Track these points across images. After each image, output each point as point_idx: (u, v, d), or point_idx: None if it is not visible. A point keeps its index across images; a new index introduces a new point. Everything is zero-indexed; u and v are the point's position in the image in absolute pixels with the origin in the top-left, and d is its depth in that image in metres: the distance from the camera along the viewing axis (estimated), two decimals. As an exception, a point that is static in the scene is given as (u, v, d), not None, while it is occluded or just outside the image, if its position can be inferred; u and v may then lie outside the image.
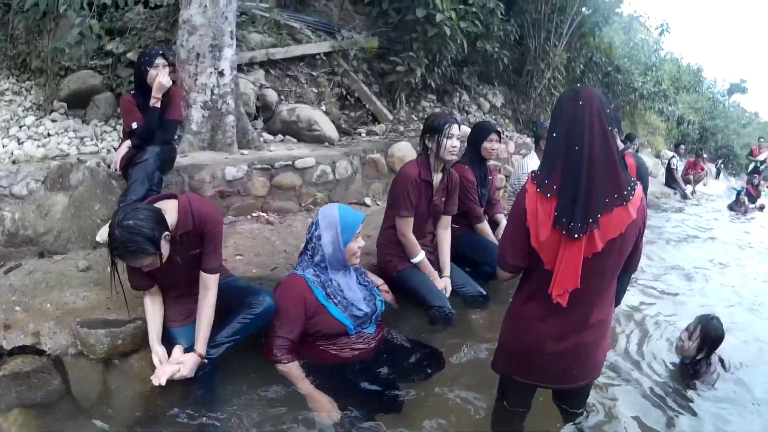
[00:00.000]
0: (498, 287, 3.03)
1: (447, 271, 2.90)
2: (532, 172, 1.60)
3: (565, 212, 1.48)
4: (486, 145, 3.26)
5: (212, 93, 3.70)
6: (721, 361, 2.64)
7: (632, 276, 1.83)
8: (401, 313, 2.77)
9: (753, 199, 11.56)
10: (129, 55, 4.19)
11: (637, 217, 1.51)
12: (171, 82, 2.89)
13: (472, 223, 3.26)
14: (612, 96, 10.98)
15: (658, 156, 12.82)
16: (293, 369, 2.09)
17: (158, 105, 2.88)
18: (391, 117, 5.44)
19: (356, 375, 2.21)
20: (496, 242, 2.96)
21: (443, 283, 2.81)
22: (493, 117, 6.98)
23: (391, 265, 2.83)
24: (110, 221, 1.90)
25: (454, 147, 2.66)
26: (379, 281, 2.68)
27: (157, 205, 2.02)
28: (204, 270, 2.10)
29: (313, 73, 5.14)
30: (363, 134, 5.15)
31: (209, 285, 2.10)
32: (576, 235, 1.47)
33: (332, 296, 2.22)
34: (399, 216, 2.70)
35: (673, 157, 10.33)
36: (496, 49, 6.04)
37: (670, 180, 10.07)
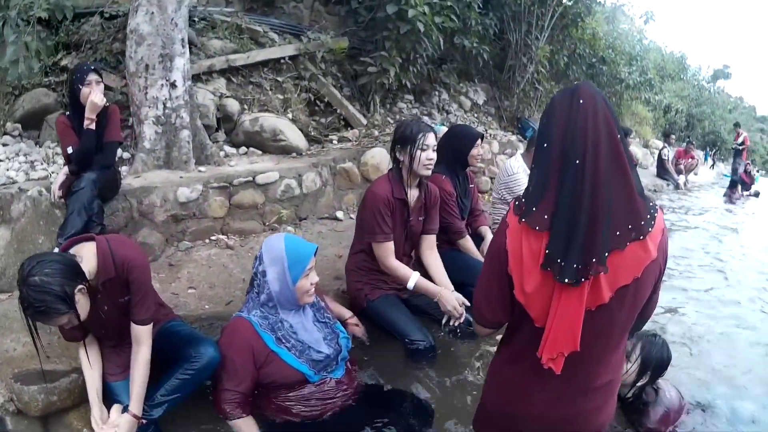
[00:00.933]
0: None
1: (450, 288, 2.48)
2: (515, 200, 1.21)
3: (559, 250, 1.09)
4: (473, 152, 2.93)
5: (165, 107, 3.42)
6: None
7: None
8: (377, 351, 2.41)
9: (747, 186, 11.35)
10: (84, 69, 3.96)
11: (657, 255, 1.13)
12: (104, 101, 2.67)
13: (453, 239, 2.88)
14: (598, 87, 10.77)
15: (646, 146, 12.60)
16: (245, 426, 1.82)
17: (93, 126, 2.66)
18: (365, 121, 5.08)
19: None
20: (482, 259, 2.58)
21: (453, 298, 2.35)
22: (475, 115, 6.66)
23: (361, 294, 2.48)
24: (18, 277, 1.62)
25: (430, 160, 2.32)
26: (347, 314, 2.33)
27: (72, 250, 1.78)
28: (134, 321, 1.88)
29: (279, 79, 4.77)
30: (335, 141, 4.77)
31: (141, 338, 1.88)
32: (574, 281, 1.08)
33: (284, 340, 1.88)
34: (375, 242, 2.36)
35: (664, 147, 10.03)
36: (475, 45, 5.69)
37: (662, 171, 9.79)
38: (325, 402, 1.91)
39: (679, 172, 10.11)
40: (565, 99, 1.14)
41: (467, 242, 2.92)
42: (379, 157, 4.36)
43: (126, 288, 1.85)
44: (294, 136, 4.27)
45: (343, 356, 1.99)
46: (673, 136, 10.90)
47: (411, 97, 5.95)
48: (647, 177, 9.22)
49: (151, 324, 1.91)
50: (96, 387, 1.91)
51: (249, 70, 4.62)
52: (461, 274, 2.66)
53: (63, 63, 4.08)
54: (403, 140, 2.30)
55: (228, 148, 4.12)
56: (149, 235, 3.11)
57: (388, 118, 5.41)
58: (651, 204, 1.15)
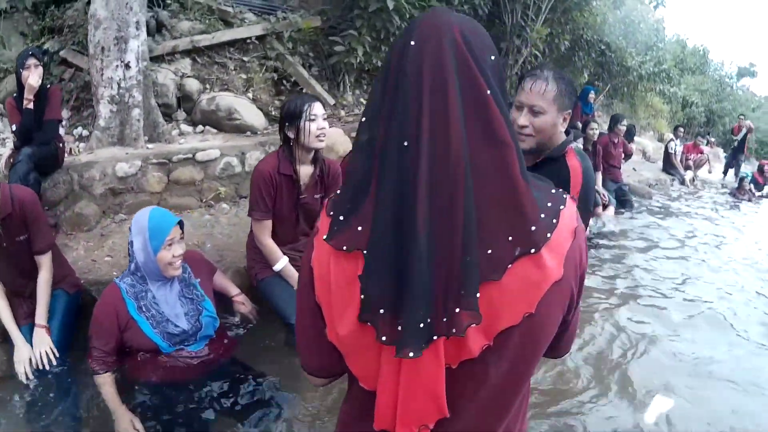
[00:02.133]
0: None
1: None
2: (330, 197, 0.79)
3: (382, 291, 0.67)
4: None
5: (119, 87, 3.56)
6: None
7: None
8: (261, 331, 2.43)
9: (760, 186, 10.81)
10: (62, 53, 4.25)
11: (566, 272, 0.70)
12: (39, 83, 2.86)
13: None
14: (608, 77, 10.39)
15: (661, 140, 12.16)
16: (105, 382, 1.92)
17: (31, 106, 2.87)
18: (332, 101, 5.02)
19: (181, 400, 1.97)
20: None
21: None
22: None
23: (252, 273, 2.46)
24: None
25: (321, 129, 2.21)
26: (233, 291, 2.34)
27: None
28: (35, 252, 2.22)
29: (245, 59, 4.77)
30: None
31: (43, 265, 2.24)
32: (418, 352, 0.65)
33: (145, 309, 1.93)
34: (253, 219, 2.33)
35: (671, 140, 9.52)
36: None
37: (668, 165, 9.33)
38: (181, 370, 1.96)
39: (687, 168, 9.68)
40: (397, 46, 0.70)
41: None
42: (335, 137, 4.26)
43: (24, 227, 2.15)
44: (249, 115, 4.27)
45: (204, 334, 2.01)
46: (682, 129, 10.33)
47: None
48: (652, 171, 8.89)
49: (50, 252, 2.25)
50: (14, 326, 2.17)
51: (216, 50, 4.65)
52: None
53: (45, 46, 4.26)
54: (289, 116, 2.21)
55: (185, 127, 4.17)
56: (86, 206, 3.24)
57: (362, 99, 5.33)
58: (552, 194, 0.73)
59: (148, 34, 4.05)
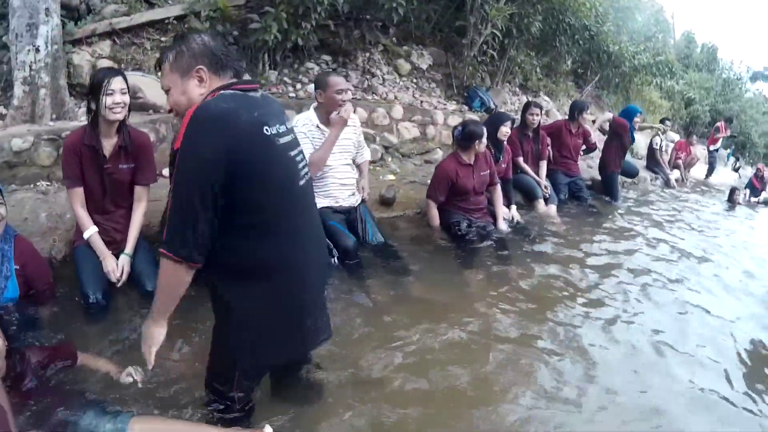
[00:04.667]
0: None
1: (128, 249, 2.49)
2: None
3: None
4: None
5: (30, 69, 3.81)
6: None
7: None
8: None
9: (757, 192, 10.17)
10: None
11: None
12: None
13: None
14: (598, 66, 9.81)
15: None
16: None
17: None
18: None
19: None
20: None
21: (113, 265, 2.42)
22: (413, 80, 6.12)
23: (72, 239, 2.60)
24: None
25: (116, 104, 2.33)
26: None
27: None
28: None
29: (163, 39, 4.72)
30: None
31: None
32: None
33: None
34: (67, 187, 2.46)
35: (656, 134, 8.59)
36: (399, 1, 5.00)
37: (652, 162, 8.46)
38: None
39: (676, 167, 8.99)
40: None
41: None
42: None
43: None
44: (154, 94, 4.19)
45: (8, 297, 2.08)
46: (669, 122, 9.48)
47: (328, 57, 5.55)
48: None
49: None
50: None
51: (136, 32, 4.70)
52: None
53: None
54: (92, 89, 2.34)
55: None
56: (-19, 177, 3.40)
57: (285, 78, 5.09)
58: None
59: (78, 17, 4.45)
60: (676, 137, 9.46)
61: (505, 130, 4.01)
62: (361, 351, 2.27)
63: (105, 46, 4.45)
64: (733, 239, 5.24)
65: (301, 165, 1.59)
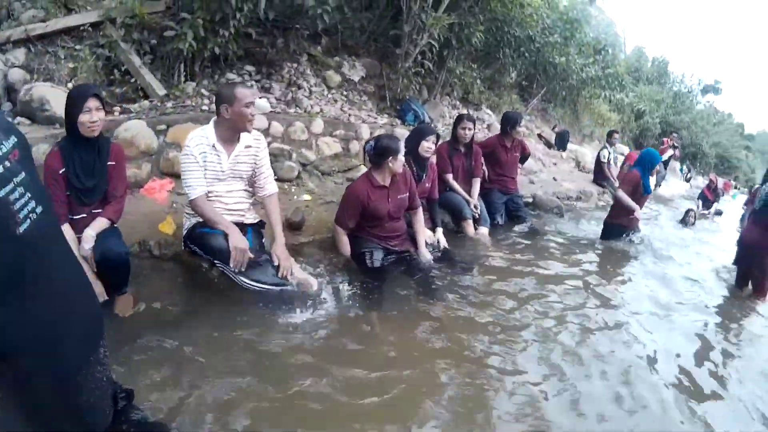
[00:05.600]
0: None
1: None
2: None
3: None
4: None
5: None
6: None
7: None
8: None
9: (709, 203, 10.12)
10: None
11: None
12: None
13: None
14: (545, 80, 9.66)
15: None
16: None
17: None
18: (162, 92, 4.33)
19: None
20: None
21: None
22: (344, 93, 5.70)
23: None
24: None
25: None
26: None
27: None
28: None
29: (77, 48, 4.29)
30: (116, 113, 4.06)
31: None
32: None
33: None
34: None
35: (604, 147, 8.40)
36: (326, 9, 4.61)
37: (600, 176, 8.27)
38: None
39: None
40: None
41: None
42: (135, 130, 3.72)
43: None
44: (61, 106, 3.60)
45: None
46: (617, 135, 9.31)
47: (252, 68, 5.09)
48: (578, 181, 8.04)
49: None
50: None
51: (52, 39, 4.30)
52: None
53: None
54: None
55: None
56: None
57: (203, 90, 4.60)
58: None
59: (-2, 22, 4.11)
60: (626, 150, 9.30)
61: (427, 146, 3.56)
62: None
63: (20, 54, 4.14)
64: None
65: (17, 206, 1.11)
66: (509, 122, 4.80)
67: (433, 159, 3.86)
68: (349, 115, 5.31)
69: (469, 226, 4.21)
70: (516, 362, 2.44)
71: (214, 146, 2.60)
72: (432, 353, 2.42)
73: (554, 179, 7.24)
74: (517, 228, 4.69)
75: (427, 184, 3.65)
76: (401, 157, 3.12)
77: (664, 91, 14.30)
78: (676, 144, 10.85)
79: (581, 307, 3.17)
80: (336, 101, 5.50)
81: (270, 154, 4.26)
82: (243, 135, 2.68)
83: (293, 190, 4.20)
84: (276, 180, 4.21)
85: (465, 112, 7.17)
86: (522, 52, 8.36)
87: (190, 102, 4.37)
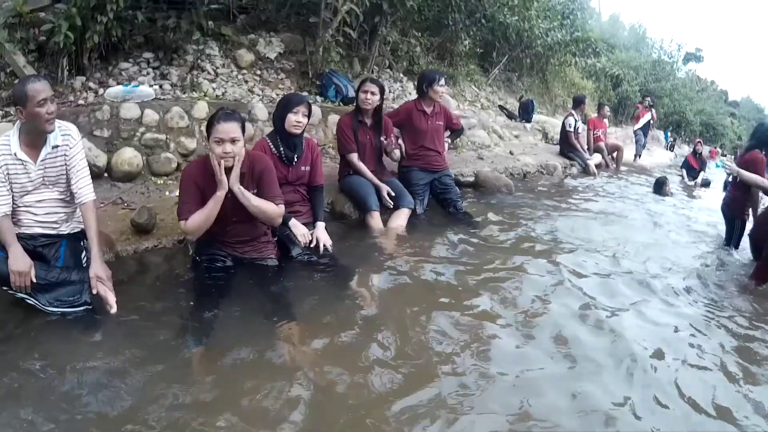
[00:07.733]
0: None
1: None
2: None
3: None
4: None
5: None
6: None
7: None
8: None
9: (694, 172, 9.41)
10: None
11: None
12: None
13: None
14: (507, 47, 8.99)
15: (585, 122, 10.81)
16: None
17: None
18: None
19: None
20: None
21: None
22: (257, 72, 5.10)
23: None
24: None
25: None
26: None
27: None
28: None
29: None
30: None
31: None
32: None
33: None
34: None
35: (570, 115, 7.50)
36: None
37: (566, 147, 7.42)
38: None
39: (598, 150, 8.04)
40: None
41: None
42: None
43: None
44: None
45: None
46: (607, 109, 8.57)
47: (150, 54, 4.60)
48: (541, 154, 7.33)
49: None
50: None
51: None
52: None
53: None
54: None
55: None
56: None
57: (92, 84, 4.17)
58: None
59: None
60: (592, 115, 8.57)
61: (295, 119, 2.85)
62: None
63: None
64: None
65: None
66: (425, 80, 4.01)
67: (315, 137, 3.25)
68: (261, 96, 4.73)
69: (373, 220, 3.52)
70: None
71: (16, 155, 2.25)
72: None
73: (510, 153, 6.59)
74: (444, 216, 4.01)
75: (303, 168, 3.02)
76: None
77: (642, 57, 13.57)
78: (651, 103, 10.17)
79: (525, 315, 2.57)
80: (247, 82, 4.90)
81: (144, 147, 3.72)
82: (50, 135, 2.28)
83: (169, 184, 3.62)
84: (151, 175, 3.69)
85: (412, 85, 6.52)
86: (477, 18, 7.72)
87: (73, 98, 3.99)
